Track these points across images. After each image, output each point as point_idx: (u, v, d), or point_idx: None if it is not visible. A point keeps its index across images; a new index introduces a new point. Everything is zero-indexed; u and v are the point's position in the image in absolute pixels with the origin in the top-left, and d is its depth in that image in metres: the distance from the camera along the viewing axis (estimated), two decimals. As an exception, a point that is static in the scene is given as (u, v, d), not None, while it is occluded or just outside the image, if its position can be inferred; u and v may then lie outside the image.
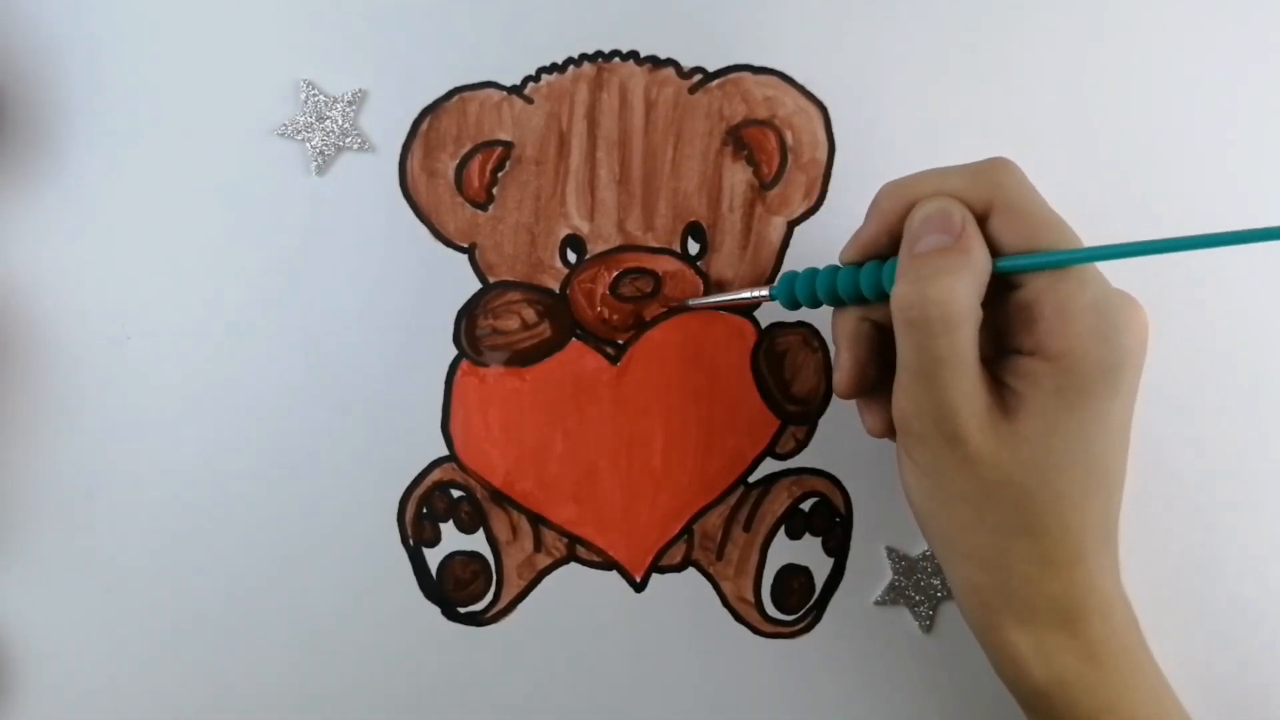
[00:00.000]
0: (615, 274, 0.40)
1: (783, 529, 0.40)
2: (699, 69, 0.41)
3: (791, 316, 0.40)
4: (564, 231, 0.41)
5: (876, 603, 0.40)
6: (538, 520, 0.40)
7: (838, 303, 0.34)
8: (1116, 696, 0.32)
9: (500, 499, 0.40)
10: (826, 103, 0.41)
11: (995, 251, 0.30)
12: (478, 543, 0.40)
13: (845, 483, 0.41)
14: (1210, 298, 0.40)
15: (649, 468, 0.40)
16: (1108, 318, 0.30)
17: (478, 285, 0.40)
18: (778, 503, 0.40)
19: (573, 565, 0.40)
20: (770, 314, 0.40)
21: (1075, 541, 0.31)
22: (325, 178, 0.41)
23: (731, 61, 0.41)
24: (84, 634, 0.40)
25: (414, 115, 0.41)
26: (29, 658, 0.39)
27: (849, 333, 0.34)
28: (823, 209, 0.41)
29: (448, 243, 0.40)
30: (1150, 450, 0.40)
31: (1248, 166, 0.41)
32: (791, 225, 0.41)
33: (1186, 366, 0.40)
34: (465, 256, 0.40)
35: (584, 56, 0.41)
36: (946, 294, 0.29)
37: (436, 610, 0.40)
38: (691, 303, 0.40)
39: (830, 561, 0.40)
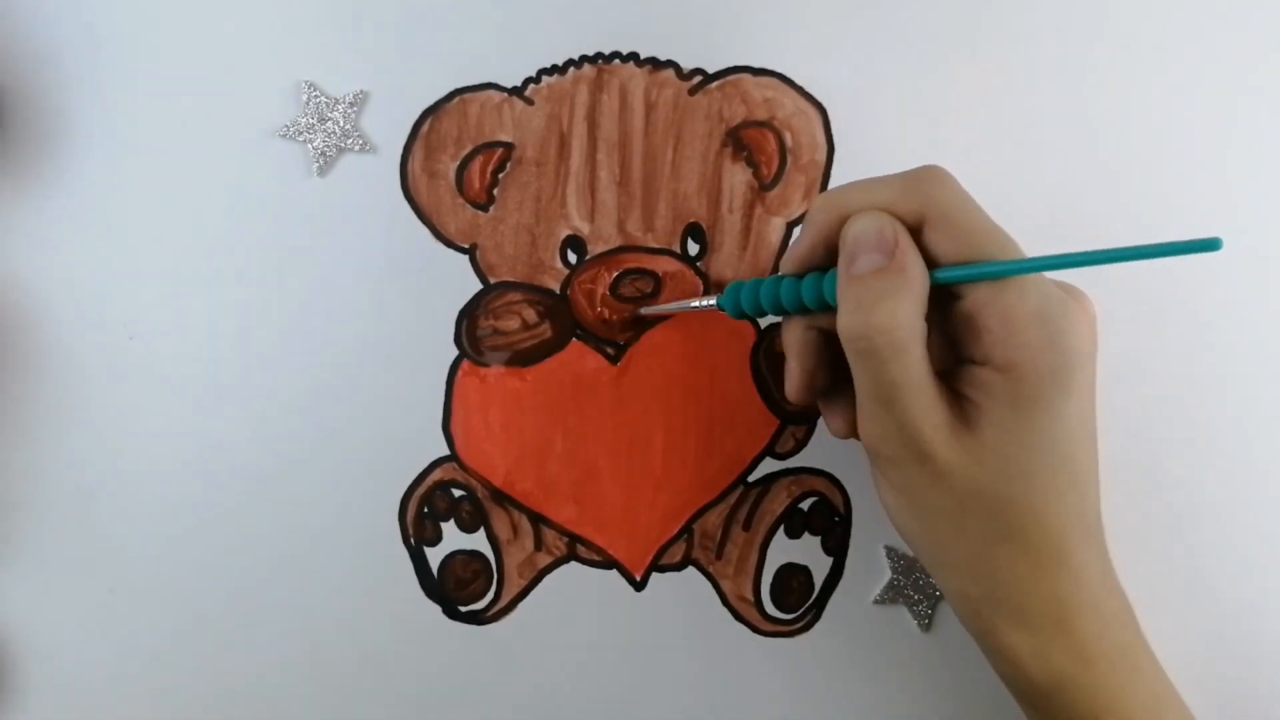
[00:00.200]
0: (615, 274, 0.40)
1: (782, 528, 0.41)
2: (699, 70, 0.41)
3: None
4: (564, 232, 0.41)
5: (875, 602, 0.40)
6: (538, 520, 0.40)
7: (782, 312, 0.34)
8: (1113, 697, 0.32)
9: (501, 498, 0.40)
10: (826, 104, 0.41)
11: (932, 263, 0.30)
12: (479, 542, 0.40)
13: (844, 482, 0.41)
14: (1209, 293, 0.40)
15: (649, 467, 0.40)
16: (1052, 323, 0.30)
17: (478, 286, 0.41)
18: (777, 502, 0.41)
19: (573, 564, 0.40)
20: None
21: (1056, 542, 0.31)
22: (327, 179, 0.41)
23: (731, 63, 0.41)
24: (85, 633, 0.40)
25: (415, 117, 0.41)
26: (29, 657, 0.40)
27: (796, 340, 0.34)
28: (822, 210, 0.41)
29: (449, 243, 0.41)
30: (1150, 449, 0.40)
31: (1247, 166, 0.41)
32: (791, 226, 0.41)
33: (1186, 365, 0.40)
34: (466, 257, 0.41)
35: (584, 58, 0.41)
36: (889, 320, 0.29)
37: (437, 609, 0.40)
38: (643, 310, 0.40)
39: (829, 561, 0.41)
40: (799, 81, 0.41)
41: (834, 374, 0.34)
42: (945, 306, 0.31)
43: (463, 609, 0.40)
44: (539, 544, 0.40)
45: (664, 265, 0.40)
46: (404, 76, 0.41)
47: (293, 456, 0.40)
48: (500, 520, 0.40)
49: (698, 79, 0.41)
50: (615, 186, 0.41)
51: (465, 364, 0.40)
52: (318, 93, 0.40)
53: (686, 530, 0.40)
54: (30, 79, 0.40)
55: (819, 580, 0.40)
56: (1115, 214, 0.40)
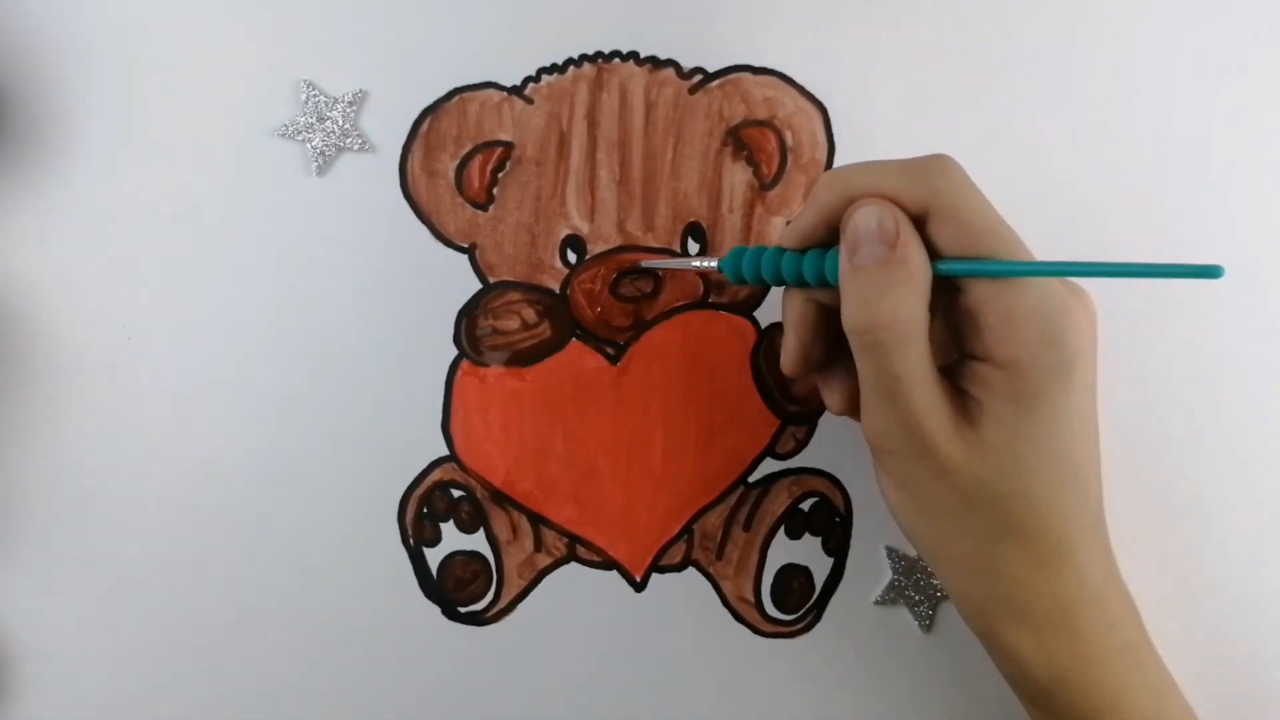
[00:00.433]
0: (615, 274, 0.40)
1: (782, 529, 0.40)
2: (699, 69, 0.41)
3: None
4: (564, 232, 0.41)
5: (876, 602, 0.40)
6: (538, 520, 0.40)
7: (783, 283, 0.34)
8: (1117, 695, 0.32)
9: (500, 499, 0.40)
10: (826, 103, 0.41)
11: (935, 254, 0.30)
12: (478, 542, 0.40)
13: (845, 482, 0.41)
14: (1210, 292, 0.40)
15: (649, 468, 0.40)
16: (1052, 320, 0.29)
17: (478, 285, 0.40)
18: (777, 502, 0.41)
19: (573, 565, 0.40)
20: (770, 314, 0.40)
21: (1059, 539, 0.31)
22: (326, 178, 0.41)
23: (731, 62, 0.41)
24: (84, 634, 0.40)
25: (414, 116, 0.41)
26: (29, 657, 0.39)
27: (795, 313, 0.34)
28: (822, 209, 0.41)
29: (448, 243, 0.41)
30: (1151, 448, 0.40)
31: (1249, 166, 0.41)
32: (791, 225, 0.41)
33: (1187, 363, 0.40)
34: (465, 257, 0.41)
35: (584, 57, 0.41)
36: (891, 314, 0.29)
37: (437, 610, 0.40)
38: (644, 263, 0.40)
39: (830, 561, 0.40)
40: (799, 80, 0.41)
41: (831, 349, 0.34)
42: (948, 300, 0.31)
43: (462, 610, 0.40)
44: (539, 544, 0.40)
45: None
46: (403, 75, 0.41)
47: (291, 456, 0.40)
48: (500, 521, 0.40)
49: (698, 78, 0.41)
50: (615, 186, 0.41)
51: (465, 364, 0.40)
52: (316, 92, 0.40)
53: (687, 531, 0.40)
54: (30, 79, 0.40)
55: (820, 581, 0.40)
56: (1115, 214, 0.40)
